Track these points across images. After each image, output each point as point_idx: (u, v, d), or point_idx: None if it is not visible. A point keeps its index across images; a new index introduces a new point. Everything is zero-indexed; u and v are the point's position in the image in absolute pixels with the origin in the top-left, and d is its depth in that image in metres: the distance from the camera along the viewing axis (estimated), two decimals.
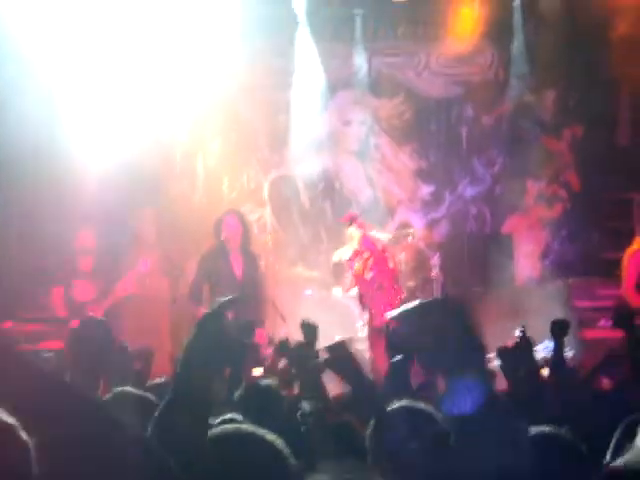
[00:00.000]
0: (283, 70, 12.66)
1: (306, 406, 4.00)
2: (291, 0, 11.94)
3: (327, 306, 10.87)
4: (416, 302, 2.32)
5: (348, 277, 10.52)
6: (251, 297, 8.69)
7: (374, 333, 9.66)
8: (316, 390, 4.57)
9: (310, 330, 5.46)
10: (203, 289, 9.16)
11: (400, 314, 2.31)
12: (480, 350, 2.36)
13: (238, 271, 9.06)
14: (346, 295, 10.86)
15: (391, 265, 10.10)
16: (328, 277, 11.39)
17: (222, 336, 2.50)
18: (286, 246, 12.33)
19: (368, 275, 9.98)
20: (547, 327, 5.49)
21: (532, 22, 12.29)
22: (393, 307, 9.08)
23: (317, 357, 4.85)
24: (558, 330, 5.31)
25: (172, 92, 12.35)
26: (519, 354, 5.05)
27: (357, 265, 10.04)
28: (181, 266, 10.95)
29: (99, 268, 9.55)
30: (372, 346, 9.66)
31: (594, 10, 11.61)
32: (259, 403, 4.30)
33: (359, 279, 10.06)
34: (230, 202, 12.59)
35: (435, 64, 12.85)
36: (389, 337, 5.15)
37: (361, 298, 10.10)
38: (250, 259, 9.26)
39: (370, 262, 10.02)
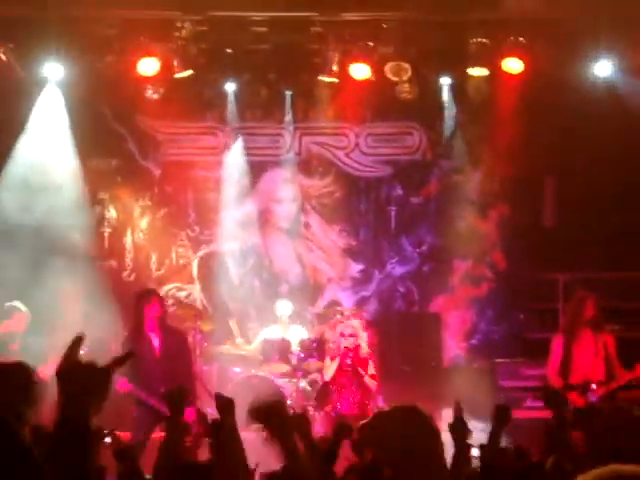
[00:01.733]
0: (213, 148, 12.77)
1: None
2: (222, 80, 12.01)
3: (256, 384, 10.79)
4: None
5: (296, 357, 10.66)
6: (176, 374, 8.78)
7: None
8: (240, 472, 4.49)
9: (225, 405, 4.80)
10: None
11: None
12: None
13: (157, 350, 9.17)
14: (275, 373, 10.85)
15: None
16: (257, 355, 11.31)
17: None
18: (215, 323, 12.26)
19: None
20: (473, 407, 5.47)
21: (459, 104, 12.50)
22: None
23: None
24: (500, 415, 5.16)
25: (102, 168, 12.40)
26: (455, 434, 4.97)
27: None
28: (110, 345, 10.81)
29: (27, 349, 9.38)
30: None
31: (520, 94, 11.87)
32: None
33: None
34: (158, 278, 12.56)
35: (364, 144, 13.03)
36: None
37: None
38: (172, 337, 9.36)
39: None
